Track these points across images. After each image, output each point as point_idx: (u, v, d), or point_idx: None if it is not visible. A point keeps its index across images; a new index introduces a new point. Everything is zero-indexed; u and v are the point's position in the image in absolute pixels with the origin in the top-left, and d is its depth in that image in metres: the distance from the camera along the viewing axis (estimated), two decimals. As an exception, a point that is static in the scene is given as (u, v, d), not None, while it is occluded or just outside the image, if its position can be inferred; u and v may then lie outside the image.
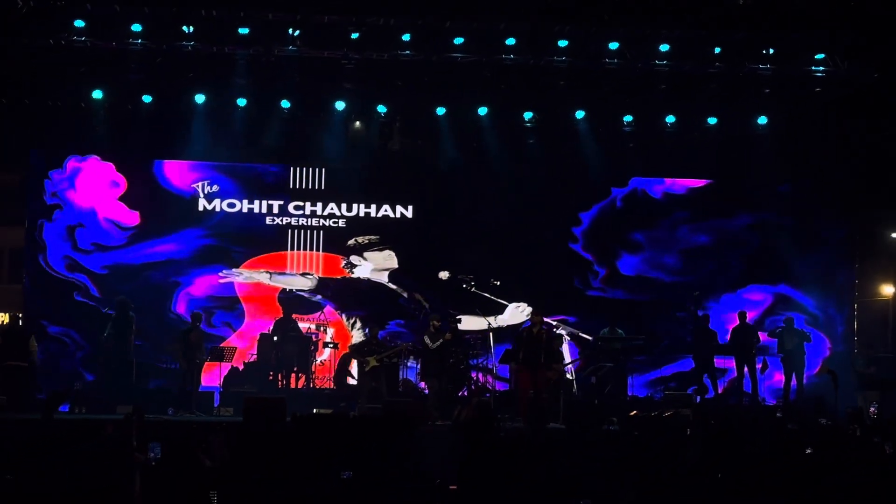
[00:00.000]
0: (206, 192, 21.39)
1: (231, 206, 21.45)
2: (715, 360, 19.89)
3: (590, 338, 20.63)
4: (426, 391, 18.48)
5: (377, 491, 9.77)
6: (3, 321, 19.60)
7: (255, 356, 20.05)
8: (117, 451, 11.45)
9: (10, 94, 20.12)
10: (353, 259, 21.67)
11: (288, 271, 21.50)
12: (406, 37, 19.14)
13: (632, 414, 15.87)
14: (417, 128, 21.70)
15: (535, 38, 19.35)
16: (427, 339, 18.10)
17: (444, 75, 20.04)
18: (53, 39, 18.74)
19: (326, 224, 21.64)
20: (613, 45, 19.32)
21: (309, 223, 21.61)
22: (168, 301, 20.99)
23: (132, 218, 21.09)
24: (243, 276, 21.41)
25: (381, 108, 21.06)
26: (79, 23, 18.54)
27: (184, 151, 21.11)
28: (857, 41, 19.25)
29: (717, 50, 19.48)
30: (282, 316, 20.68)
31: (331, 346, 20.58)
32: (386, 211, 21.79)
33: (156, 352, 20.12)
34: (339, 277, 21.64)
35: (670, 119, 21.33)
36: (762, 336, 20.58)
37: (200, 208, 21.35)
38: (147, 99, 20.37)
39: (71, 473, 10.11)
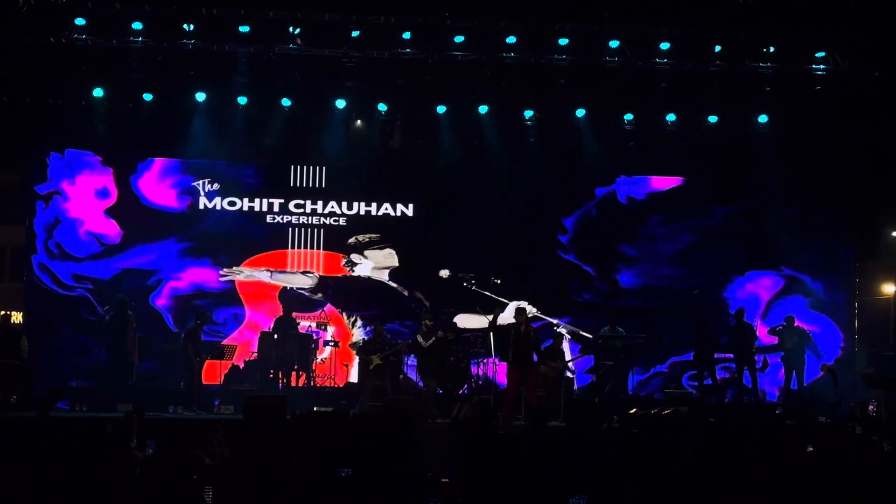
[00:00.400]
0: (206, 190, 21.39)
1: (231, 203, 21.47)
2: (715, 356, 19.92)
3: (590, 336, 20.62)
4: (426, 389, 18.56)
5: (376, 489, 9.77)
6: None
7: (256, 354, 20.07)
8: (117, 449, 11.47)
9: (10, 92, 20.12)
10: (354, 257, 21.68)
11: (289, 270, 21.51)
12: (407, 35, 19.17)
13: (631, 412, 15.89)
14: (418, 126, 21.70)
15: (536, 37, 19.37)
16: (420, 338, 18.31)
17: (445, 74, 20.05)
18: (54, 38, 18.78)
19: (327, 222, 21.65)
20: (614, 44, 19.34)
21: (309, 221, 21.62)
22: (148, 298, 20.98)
23: (115, 230, 21.02)
24: (244, 275, 21.42)
25: (382, 107, 21.06)
26: (79, 21, 18.58)
27: (184, 150, 21.11)
28: (858, 40, 19.27)
29: (718, 49, 19.50)
30: (282, 314, 20.69)
31: (331, 344, 20.60)
32: (387, 209, 21.80)
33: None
34: (339, 276, 21.65)
35: (671, 118, 21.32)
36: (762, 330, 20.63)
37: (201, 206, 21.36)
38: (148, 97, 20.38)
39: (70, 472, 10.11)
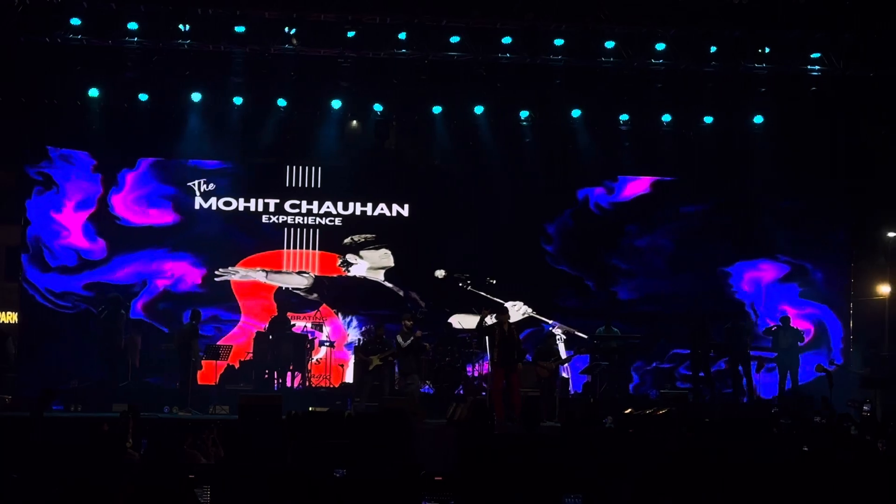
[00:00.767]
0: (202, 190, 21.39)
1: (227, 203, 21.45)
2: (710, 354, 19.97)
3: (584, 336, 20.63)
4: (422, 389, 18.58)
5: (370, 488, 9.77)
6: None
7: (251, 354, 20.06)
8: (113, 448, 11.48)
9: (5, 92, 20.10)
10: (349, 258, 21.67)
11: (284, 270, 21.50)
12: (402, 35, 19.14)
13: (626, 412, 15.89)
14: (414, 126, 21.73)
15: (531, 37, 19.34)
16: (399, 339, 18.36)
17: (441, 74, 20.04)
18: (49, 38, 18.74)
19: (322, 223, 21.64)
20: (610, 44, 19.32)
21: (305, 222, 21.61)
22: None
23: (98, 244, 21.02)
24: (239, 275, 21.41)
25: (378, 107, 21.06)
26: (75, 21, 18.52)
27: (179, 149, 21.10)
28: (854, 40, 19.27)
29: (714, 49, 19.49)
30: (277, 314, 20.68)
31: (326, 344, 20.59)
32: (382, 209, 21.79)
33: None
34: (335, 276, 21.64)
35: (666, 118, 21.33)
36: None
37: (196, 206, 21.34)
38: (143, 97, 20.37)
39: (66, 471, 10.11)
